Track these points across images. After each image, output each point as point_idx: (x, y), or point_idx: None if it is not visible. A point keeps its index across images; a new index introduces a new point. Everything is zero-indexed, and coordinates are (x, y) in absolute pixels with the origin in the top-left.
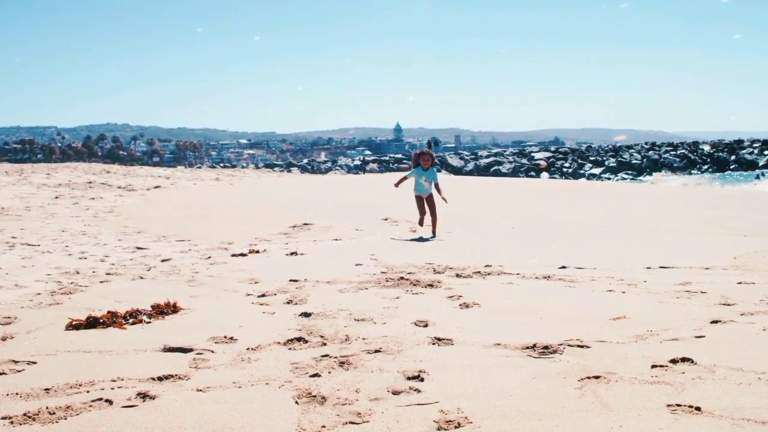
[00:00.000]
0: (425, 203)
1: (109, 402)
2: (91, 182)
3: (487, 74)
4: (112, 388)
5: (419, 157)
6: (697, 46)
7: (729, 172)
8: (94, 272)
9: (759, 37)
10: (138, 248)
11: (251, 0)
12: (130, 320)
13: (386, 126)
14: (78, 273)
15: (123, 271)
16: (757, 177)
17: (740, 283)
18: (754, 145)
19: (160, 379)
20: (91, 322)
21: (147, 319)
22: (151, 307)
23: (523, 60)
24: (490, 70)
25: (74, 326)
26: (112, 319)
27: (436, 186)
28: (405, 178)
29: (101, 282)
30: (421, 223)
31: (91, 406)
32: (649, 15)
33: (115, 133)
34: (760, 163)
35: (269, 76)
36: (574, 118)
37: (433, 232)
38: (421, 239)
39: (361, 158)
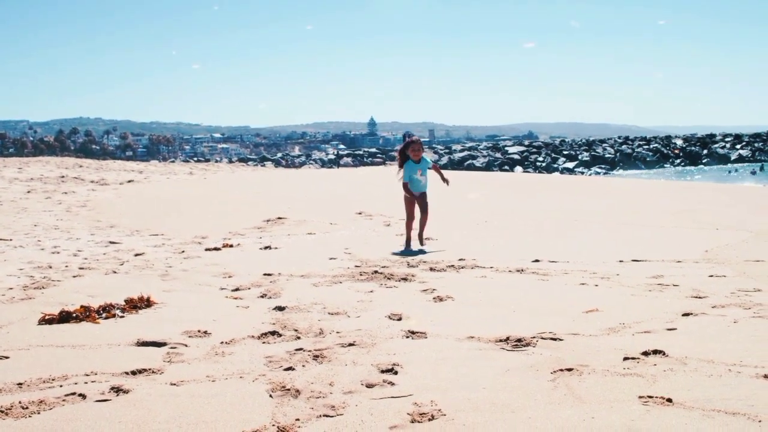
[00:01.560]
0: (417, 204)
1: (83, 396)
2: (63, 176)
3: (461, 68)
4: (86, 383)
5: (407, 148)
6: (670, 40)
7: (701, 165)
8: (66, 267)
9: (728, 34)
10: (111, 242)
11: None
12: (104, 315)
13: (361, 120)
14: (51, 267)
15: (96, 265)
16: (729, 172)
17: (711, 276)
18: (726, 139)
19: (133, 373)
20: (64, 317)
21: (120, 314)
22: (125, 301)
23: (498, 54)
24: (464, 64)
25: (47, 321)
26: (85, 314)
27: (436, 169)
28: (406, 185)
29: (74, 276)
30: (408, 232)
31: (64, 400)
32: (624, 7)
33: (87, 128)
34: (732, 158)
35: (243, 70)
36: (548, 112)
37: (421, 237)
38: (409, 252)
39: (336, 152)
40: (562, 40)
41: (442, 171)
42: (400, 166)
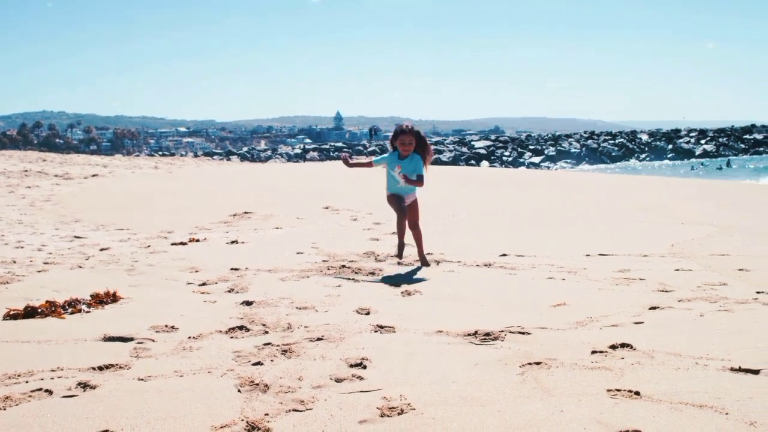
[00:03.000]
0: (405, 211)
1: (49, 392)
2: (26, 171)
3: (428, 63)
4: (52, 378)
5: (396, 139)
6: (635, 35)
7: (666, 160)
8: (31, 261)
9: (694, 28)
10: (76, 237)
11: None
12: (69, 310)
13: (327, 114)
14: (15, 262)
15: (61, 260)
16: (692, 168)
17: (678, 270)
18: (691, 134)
19: (100, 368)
20: (29, 312)
21: (86, 309)
22: (91, 296)
23: (464, 49)
24: (431, 59)
25: (12, 316)
26: (51, 309)
27: (418, 178)
28: (367, 164)
29: (39, 271)
30: (399, 235)
31: (30, 396)
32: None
33: (51, 121)
34: (697, 153)
35: (209, 64)
36: (514, 107)
37: (421, 256)
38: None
39: (302, 147)
40: (530, 34)
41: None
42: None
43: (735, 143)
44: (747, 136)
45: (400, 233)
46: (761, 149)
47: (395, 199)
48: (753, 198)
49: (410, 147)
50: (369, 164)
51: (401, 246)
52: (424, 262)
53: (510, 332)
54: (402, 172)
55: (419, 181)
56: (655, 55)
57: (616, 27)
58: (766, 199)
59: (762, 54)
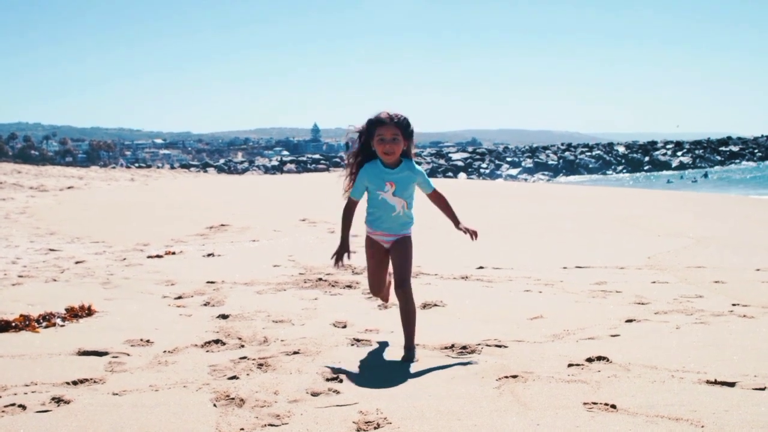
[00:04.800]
0: (387, 260)
1: (23, 407)
2: (1, 183)
3: (404, 75)
4: (26, 393)
5: (372, 134)
6: (611, 46)
7: (643, 172)
8: (5, 275)
9: (671, 38)
10: (51, 250)
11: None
12: (44, 323)
13: (304, 126)
14: None
15: (36, 273)
16: (668, 181)
17: (654, 282)
18: (668, 146)
19: (74, 383)
20: (3, 326)
21: (61, 323)
22: (65, 310)
23: (441, 60)
24: (407, 70)
25: None
26: (25, 323)
27: (438, 199)
28: (352, 208)
29: (13, 285)
30: (384, 297)
31: (4, 411)
32: (568, 10)
33: (26, 133)
34: (673, 165)
35: (185, 75)
36: (491, 119)
37: (409, 350)
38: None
39: (279, 159)
40: (505, 46)
41: (450, 204)
42: (352, 173)
43: (711, 155)
44: (723, 148)
45: (383, 292)
46: (737, 161)
47: (380, 251)
48: (727, 209)
49: (397, 147)
50: (353, 206)
51: (385, 295)
52: (410, 355)
53: (487, 345)
54: (397, 194)
55: (442, 198)
56: (632, 66)
57: (591, 38)
58: (740, 211)
59: (739, 65)
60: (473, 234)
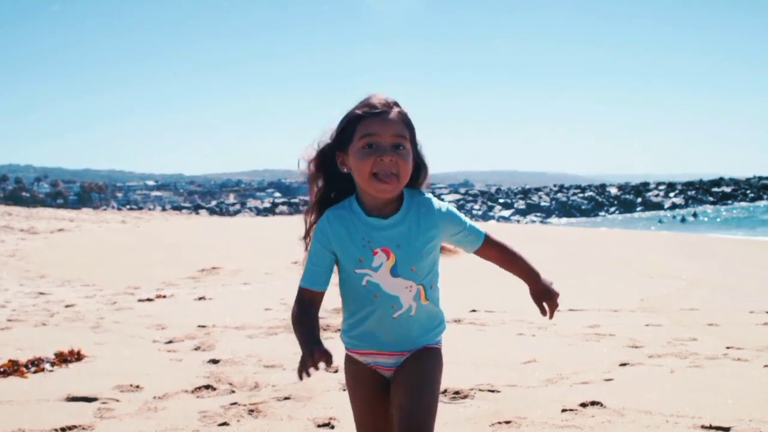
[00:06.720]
0: (386, 402)
1: None
2: None
3: None
4: None
5: (352, 138)
6: (601, 87)
7: (636, 213)
8: None
9: (662, 84)
10: (41, 293)
11: (155, 44)
12: (33, 369)
13: (296, 168)
14: None
15: (25, 317)
16: (660, 221)
17: (648, 325)
18: (660, 187)
19: (63, 429)
20: None
21: (50, 368)
22: (55, 354)
23: (433, 101)
24: None
25: None
26: (13, 368)
27: (494, 251)
28: (305, 299)
29: (1, 329)
30: None
31: None
32: (559, 51)
33: (17, 174)
34: (666, 205)
35: (177, 117)
36: (484, 160)
37: None
38: None
39: (271, 200)
40: (498, 87)
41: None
42: (314, 207)
43: (703, 196)
44: (715, 189)
45: None
46: (729, 202)
47: (372, 385)
48: (718, 250)
49: (403, 165)
50: (312, 304)
51: None
52: None
53: (480, 390)
54: (400, 271)
55: (506, 250)
56: (624, 107)
57: (585, 79)
58: (732, 252)
59: (733, 106)
60: (552, 311)
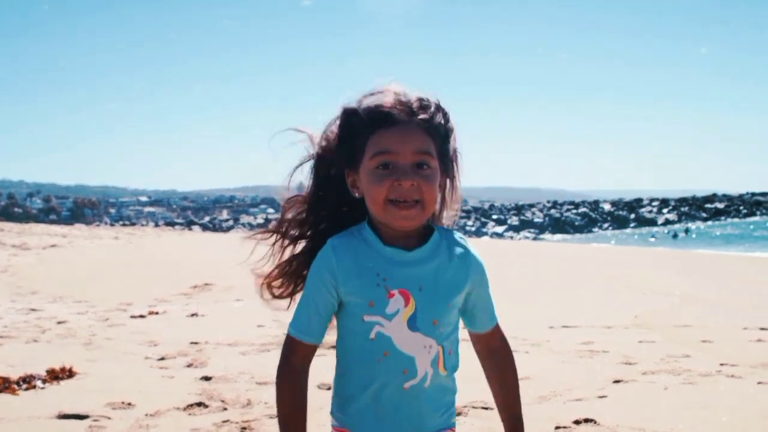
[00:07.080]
0: None
1: None
2: None
3: None
4: None
5: (365, 142)
6: (596, 103)
7: (629, 229)
8: None
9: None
10: (32, 310)
11: (149, 60)
12: (24, 386)
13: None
14: None
15: (16, 333)
16: (653, 237)
17: (641, 341)
18: (653, 203)
19: None
20: None
21: (41, 385)
22: (46, 371)
23: None
24: None
25: None
26: (5, 385)
27: (494, 346)
28: (295, 354)
29: None
30: None
31: None
32: (553, 64)
33: (10, 190)
34: (659, 222)
35: (171, 133)
36: (478, 176)
37: None
38: None
39: (264, 216)
40: (491, 102)
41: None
42: (290, 260)
43: (696, 212)
44: (708, 205)
45: None
46: (722, 218)
47: None
48: (711, 267)
49: (429, 190)
50: (310, 359)
51: None
52: None
53: (473, 407)
54: (420, 323)
55: (507, 354)
56: (619, 123)
57: (579, 94)
58: (724, 268)
59: (727, 122)
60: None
